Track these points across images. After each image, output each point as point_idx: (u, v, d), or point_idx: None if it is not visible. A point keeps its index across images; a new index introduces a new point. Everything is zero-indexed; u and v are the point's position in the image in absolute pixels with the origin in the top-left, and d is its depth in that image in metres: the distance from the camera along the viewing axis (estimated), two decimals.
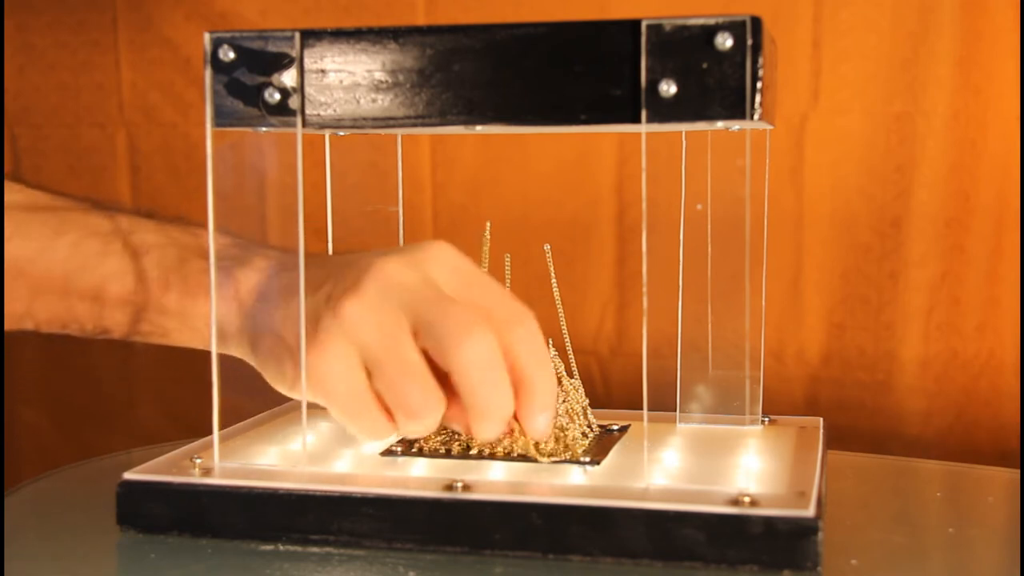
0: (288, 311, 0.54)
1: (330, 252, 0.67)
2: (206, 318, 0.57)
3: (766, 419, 0.66)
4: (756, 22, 0.48)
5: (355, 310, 0.51)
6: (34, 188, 0.63)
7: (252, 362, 0.57)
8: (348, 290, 0.51)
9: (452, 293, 0.52)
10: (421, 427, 0.51)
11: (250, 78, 0.53)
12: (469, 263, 0.54)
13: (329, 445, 0.61)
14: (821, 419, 0.66)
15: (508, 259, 0.61)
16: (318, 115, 0.53)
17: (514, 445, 0.57)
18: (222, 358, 0.56)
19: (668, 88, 0.48)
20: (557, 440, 0.59)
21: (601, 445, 0.60)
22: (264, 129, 0.54)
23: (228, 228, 0.59)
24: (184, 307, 0.58)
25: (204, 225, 0.58)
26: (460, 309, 0.50)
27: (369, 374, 0.51)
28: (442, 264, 0.53)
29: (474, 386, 0.50)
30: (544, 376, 0.51)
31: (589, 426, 0.63)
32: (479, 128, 0.53)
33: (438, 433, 0.60)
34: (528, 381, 0.51)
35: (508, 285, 0.61)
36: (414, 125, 0.52)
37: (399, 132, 0.67)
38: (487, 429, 0.51)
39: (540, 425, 0.52)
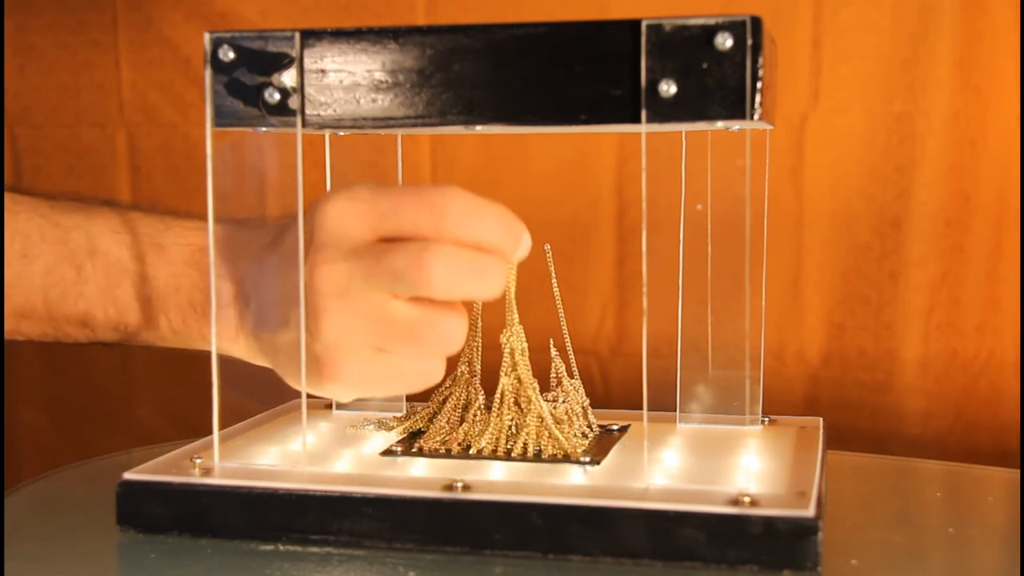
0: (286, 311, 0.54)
1: None
2: (205, 339, 0.58)
3: (766, 419, 0.66)
4: (756, 22, 0.48)
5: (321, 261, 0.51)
6: None
7: (270, 365, 0.57)
8: (316, 263, 0.51)
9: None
10: (444, 356, 0.52)
11: (250, 78, 0.53)
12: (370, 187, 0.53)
13: (329, 445, 0.61)
14: (821, 419, 0.66)
15: (548, 249, 0.61)
16: (318, 115, 0.53)
17: (553, 446, 0.58)
18: (222, 359, 0.56)
19: (668, 88, 0.48)
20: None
21: (601, 445, 0.60)
22: (264, 129, 0.54)
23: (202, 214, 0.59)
24: (176, 329, 0.60)
25: (175, 213, 0.61)
26: (429, 188, 0.50)
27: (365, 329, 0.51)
28: (361, 182, 0.52)
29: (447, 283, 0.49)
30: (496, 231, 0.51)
31: (589, 426, 0.63)
32: (479, 128, 0.53)
33: (438, 433, 0.61)
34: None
35: (553, 278, 0.61)
36: (414, 125, 0.52)
37: (399, 132, 0.67)
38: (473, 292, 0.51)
39: (523, 250, 0.53)
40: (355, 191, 0.52)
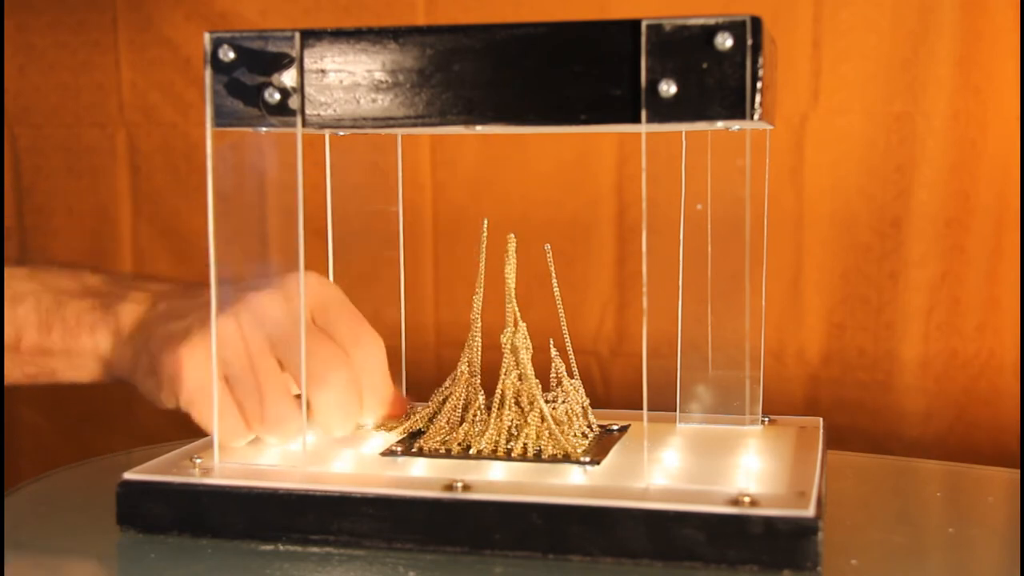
0: (162, 329, 0.59)
1: (330, 252, 0.67)
2: (90, 354, 0.63)
3: (766, 419, 0.66)
4: (756, 22, 0.48)
5: (226, 329, 0.57)
6: None
7: (133, 383, 0.62)
8: (220, 315, 0.56)
9: (318, 321, 0.59)
10: (276, 436, 0.58)
11: (250, 78, 0.53)
12: (336, 292, 0.60)
13: (329, 445, 0.61)
14: (821, 419, 0.66)
15: (549, 249, 0.62)
16: (318, 115, 0.53)
17: (553, 447, 0.58)
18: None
19: (668, 88, 0.48)
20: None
21: (601, 445, 0.60)
22: (264, 129, 0.54)
23: (100, 266, 0.64)
24: (68, 345, 0.62)
25: (85, 267, 0.66)
26: (320, 346, 0.57)
27: (231, 387, 0.57)
28: (309, 295, 0.59)
29: (325, 414, 0.57)
30: (378, 393, 0.60)
31: (589, 426, 0.63)
32: (479, 128, 0.53)
33: (438, 433, 0.61)
34: (365, 395, 0.59)
35: (553, 278, 0.62)
36: (414, 125, 0.52)
37: (399, 132, 0.67)
38: (328, 435, 0.59)
39: (366, 423, 0.61)
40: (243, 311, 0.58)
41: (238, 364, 0.57)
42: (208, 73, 0.53)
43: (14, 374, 0.64)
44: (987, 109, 0.82)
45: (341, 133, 0.66)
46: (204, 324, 0.57)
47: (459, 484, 0.52)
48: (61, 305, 0.63)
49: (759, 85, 0.48)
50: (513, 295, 0.61)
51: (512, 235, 0.61)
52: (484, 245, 0.62)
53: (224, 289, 0.57)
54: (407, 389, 0.70)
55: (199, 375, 0.57)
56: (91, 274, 0.65)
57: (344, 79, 0.52)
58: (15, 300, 0.63)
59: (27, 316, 0.63)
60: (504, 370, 0.60)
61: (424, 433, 0.61)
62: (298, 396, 0.57)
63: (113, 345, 0.62)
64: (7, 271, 0.64)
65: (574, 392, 0.62)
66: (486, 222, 0.61)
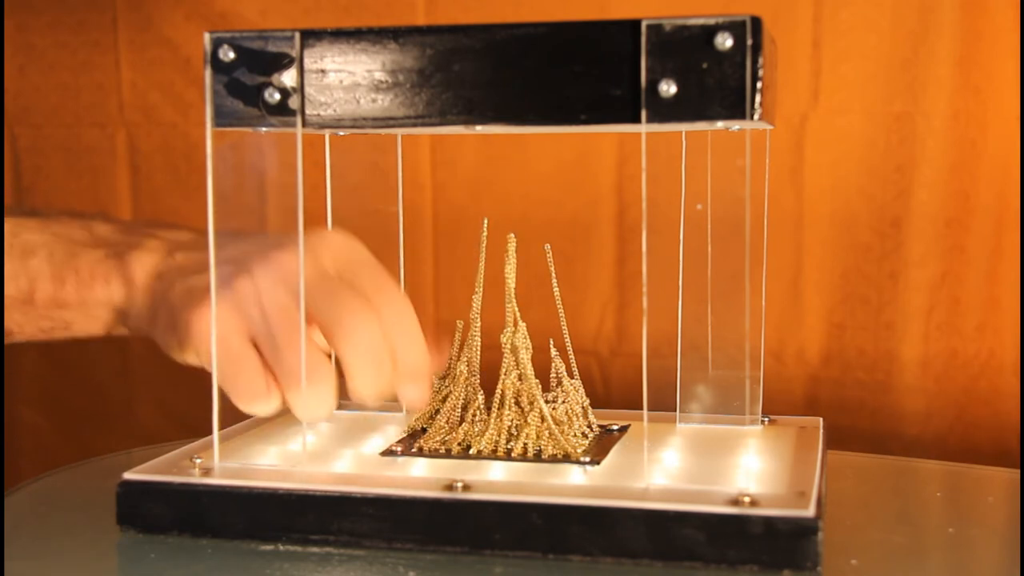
0: (182, 284, 0.57)
1: None
2: (105, 305, 0.60)
3: (766, 419, 0.66)
4: (756, 22, 0.48)
5: (247, 288, 0.54)
6: None
7: (151, 335, 0.59)
8: (242, 272, 0.54)
9: (341, 278, 0.56)
10: (312, 399, 0.54)
11: (250, 78, 0.53)
12: (360, 248, 0.57)
13: (329, 445, 0.61)
14: (821, 419, 0.66)
15: (549, 249, 0.62)
16: (318, 115, 0.53)
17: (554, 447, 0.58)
18: None
19: (668, 88, 0.48)
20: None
21: (601, 445, 0.60)
22: (264, 129, 0.54)
23: (110, 214, 0.61)
24: (82, 297, 0.60)
25: (95, 216, 0.63)
26: (346, 297, 0.54)
27: (258, 348, 0.54)
28: (334, 252, 0.56)
29: (356, 367, 0.53)
30: (413, 350, 0.55)
31: (589, 426, 0.63)
32: (479, 128, 0.53)
33: (438, 432, 0.60)
34: (399, 357, 0.55)
35: (553, 278, 0.62)
36: (414, 125, 0.52)
37: (399, 132, 0.67)
38: (366, 399, 0.54)
39: (410, 393, 0.55)
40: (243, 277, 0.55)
41: (261, 323, 0.54)
42: (208, 73, 0.53)
43: (29, 329, 0.62)
44: (987, 109, 0.82)
45: (341, 133, 0.66)
46: (225, 282, 0.55)
47: (459, 484, 0.52)
48: (74, 256, 0.61)
49: (759, 85, 0.48)
50: (513, 295, 0.61)
51: (512, 235, 0.61)
52: (484, 245, 0.62)
53: (246, 243, 0.56)
54: None
55: (221, 334, 0.55)
56: (102, 222, 0.63)
57: (344, 79, 0.52)
58: (27, 252, 0.61)
59: (40, 267, 0.60)
60: (504, 370, 0.60)
61: (424, 433, 0.61)
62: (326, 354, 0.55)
63: (128, 295, 0.60)
64: (17, 221, 0.62)
65: (574, 392, 0.62)
66: (486, 222, 0.61)
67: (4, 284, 0.60)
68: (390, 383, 0.55)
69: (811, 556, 0.48)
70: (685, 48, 0.48)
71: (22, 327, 0.62)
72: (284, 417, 0.68)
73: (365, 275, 0.56)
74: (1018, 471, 0.69)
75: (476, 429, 0.60)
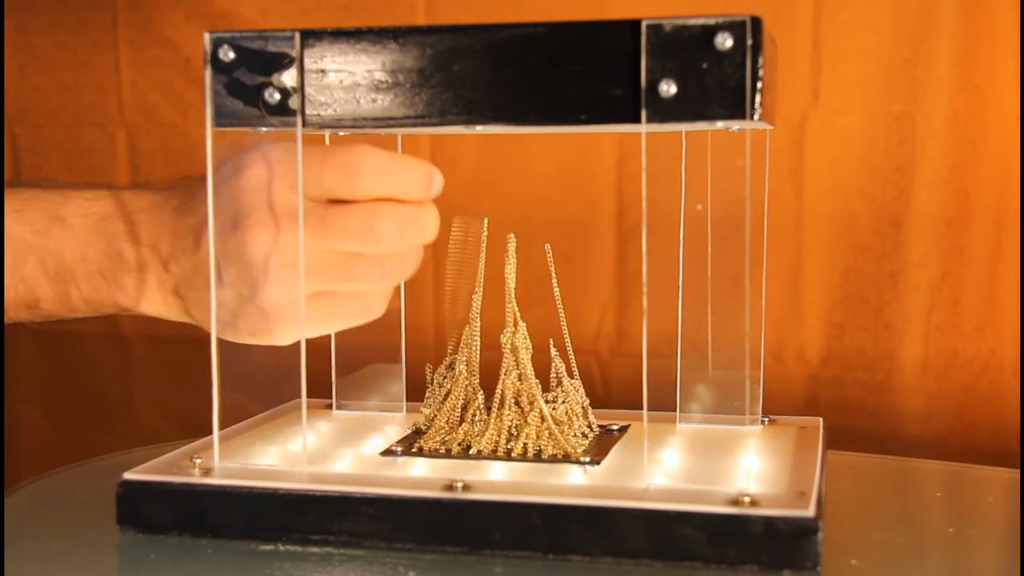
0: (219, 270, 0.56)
1: None
2: (116, 304, 0.60)
3: (766, 419, 0.66)
4: (756, 22, 0.48)
5: (258, 172, 0.54)
6: None
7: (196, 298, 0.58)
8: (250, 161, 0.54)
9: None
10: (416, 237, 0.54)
11: (250, 78, 0.53)
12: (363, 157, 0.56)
13: (329, 445, 0.61)
14: (821, 419, 0.66)
15: (549, 249, 0.62)
16: (318, 115, 0.53)
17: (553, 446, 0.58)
18: (222, 359, 0.56)
19: (668, 88, 0.48)
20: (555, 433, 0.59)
21: (601, 445, 0.60)
22: (264, 129, 0.54)
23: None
24: (88, 299, 0.60)
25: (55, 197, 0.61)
26: (339, 148, 0.54)
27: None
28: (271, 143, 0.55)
29: (390, 228, 0.53)
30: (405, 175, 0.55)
31: (589, 426, 0.63)
32: (479, 128, 0.53)
33: (438, 432, 0.61)
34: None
35: (553, 278, 0.62)
36: (414, 125, 0.52)
37: (399, 132, 0.67)
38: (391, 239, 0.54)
39: (436, 187, 0.55)
40: (268, 153, 0.54)
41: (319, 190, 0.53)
42: (208, 73, 0.53)
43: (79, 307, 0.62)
44: (987, 109, 0.82)
45: (341, 133, 0.66)
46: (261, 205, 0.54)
47: (459, 484, 0.52)
48: (70, 272, 0.60)
49: (759, 85, 0.48)
50: (513, 295, 0.61)
51: (512, 235, 0.61)
52: (484, 245, 0.62)
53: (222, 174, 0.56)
54: (407, 389, 0.70)
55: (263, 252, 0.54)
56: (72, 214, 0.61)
57: (344, 79, 0.52)
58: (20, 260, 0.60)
59: (36, 278, 0.60)
60: (504, 370, 0.60)
61: (424, 433, 0.61)
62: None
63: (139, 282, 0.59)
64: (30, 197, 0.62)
65: (574, 392, 0.62)
66: (486, 222, 0.61)
67: (4, 285, 0.60)
68: (413, 216, 0.54)
69: (811, 556, 0.48)
70: (685, 48, 0.48)
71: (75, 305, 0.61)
72: (284, 417, 0.68)
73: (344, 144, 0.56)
74: (1018, 471, 0.69)
75: (476, 429, 0.60)
